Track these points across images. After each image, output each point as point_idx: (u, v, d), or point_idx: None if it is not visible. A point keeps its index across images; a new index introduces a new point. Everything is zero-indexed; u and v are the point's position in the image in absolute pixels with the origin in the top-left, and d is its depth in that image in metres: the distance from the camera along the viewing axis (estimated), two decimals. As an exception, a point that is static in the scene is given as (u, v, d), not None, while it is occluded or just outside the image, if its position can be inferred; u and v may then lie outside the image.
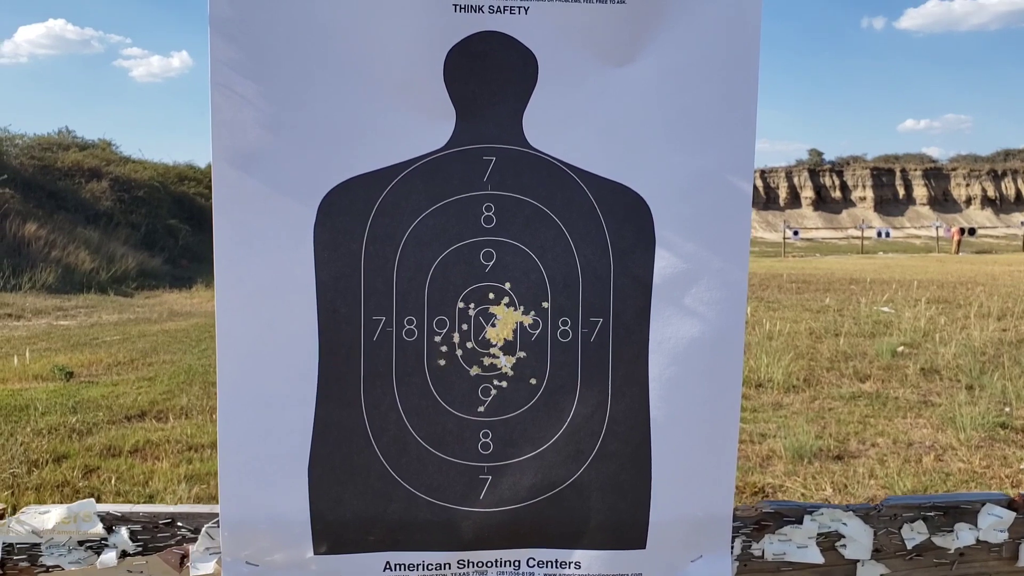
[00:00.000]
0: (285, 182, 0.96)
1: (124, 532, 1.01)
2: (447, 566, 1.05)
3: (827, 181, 66.27)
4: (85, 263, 17.54)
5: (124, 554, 1.01)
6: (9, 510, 1.03)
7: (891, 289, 14.33)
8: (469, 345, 1.01)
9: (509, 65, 0.97)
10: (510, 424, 1.02)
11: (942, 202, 65.50)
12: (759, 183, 63.61)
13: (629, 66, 0.98)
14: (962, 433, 5.22)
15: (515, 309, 1.01)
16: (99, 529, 1.00)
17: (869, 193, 65.24)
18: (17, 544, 1.00)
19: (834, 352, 8.23)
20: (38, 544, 1.00)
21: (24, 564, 1.00)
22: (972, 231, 42.58)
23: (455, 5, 0.95)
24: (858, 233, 44.42)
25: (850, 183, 66.30)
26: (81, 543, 1.01)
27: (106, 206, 21.80)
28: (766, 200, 64.15)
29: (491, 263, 1.00)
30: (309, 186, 0.96)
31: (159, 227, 22.85)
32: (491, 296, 1.01)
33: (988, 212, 63.88)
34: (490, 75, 0.97)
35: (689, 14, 0.97)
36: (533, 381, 1.02)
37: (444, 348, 1.01)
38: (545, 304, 1.01)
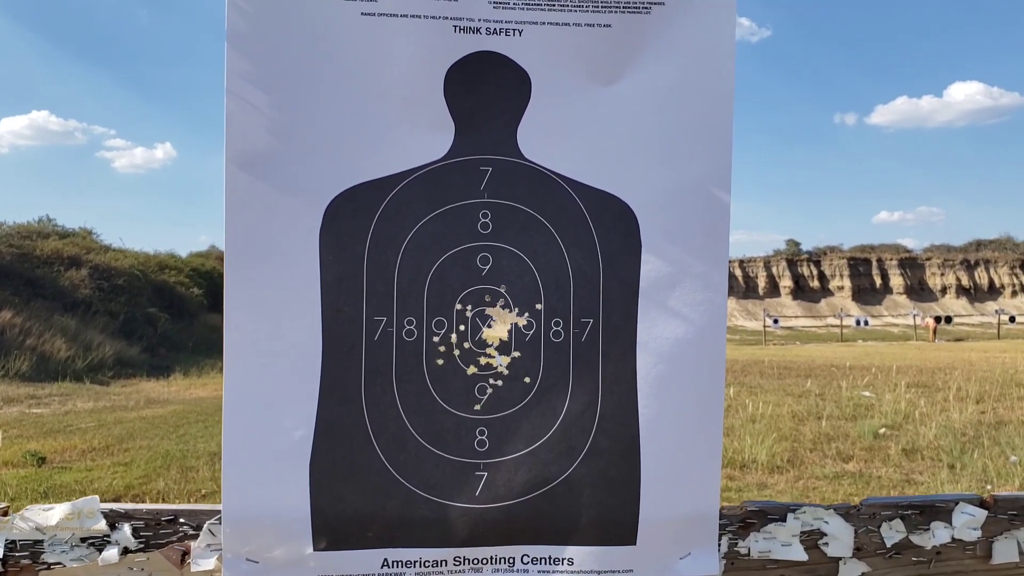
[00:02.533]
0: (293, 187, 1.02)
1: (127, 529, 1.03)
2: (443, 563, 1.07)
3: (805, 271, 67.25)
4: (61, 351, 17.35)
5: (126, 551, 1.03)
6: None
7: (871, 374, 14.45)
8: (466, 345, 1.06)
9: (504, 83, 1.05)
10: (505, 421, 1.07)
11: (918, 291, 66.47)
12: (738, 272, 64.48)
13: (615, 85, 1.06)
14: (945, 507, 5.22)
15: (510, 311, 1.06)
16: (102, 526, 1.02)
17: (847, 282, 66.17)
18: (20, 541, 1.02)
19: (817, 434, 8.25)
20: (40, 541, 1.02)
21: (26, 562, 1.02)
22: (948, 319, 43.10)
23: (455, 26, 1.04)
24: (837, 321, 44.83)
25: (828, 272, 67.30)
26: (83, 540, 1.03)
27: (85, 294, 21.70)
28: (745, 289, 64.90)
29: (487, 267, 1.06)
30: (316, 192, 1.03)
31: (138, 315, 22.72)
32: (487, 298, 1.06)
33: (963, 301, 64.82)
34: (487, 92, 1.05)
35: (669, 39, 1.06)
36: (527, 380, 1.07)
37: (442, 348, 1.06)
38: (538, 306, 1.07)
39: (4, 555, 1.01)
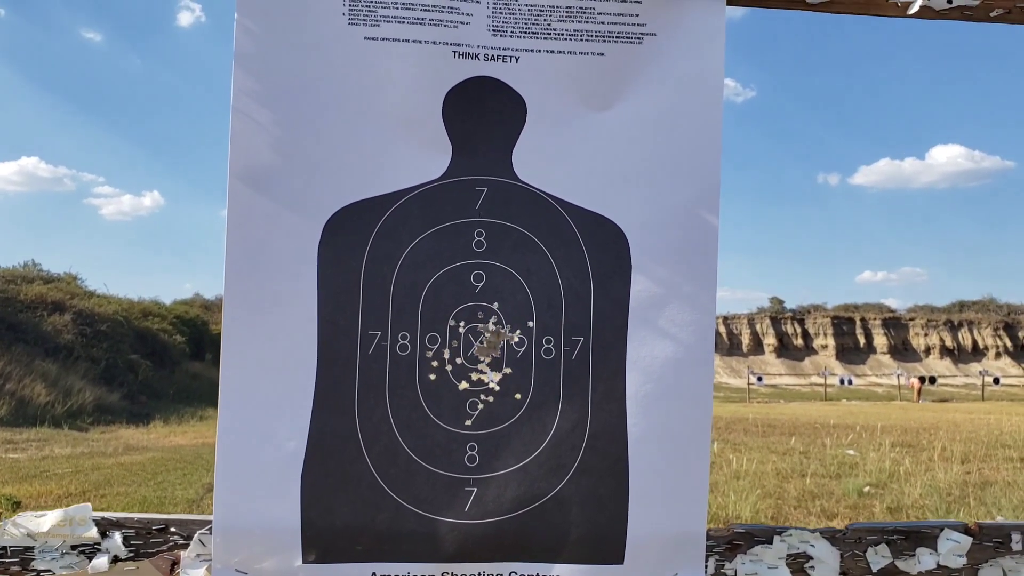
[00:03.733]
0: (294, 203, 1.05)
1: (118, 537, 1.03)
2: None
3: (789, 329, 67.54)
4: (40, 396, 17.14)
5: (116, 559, 1.03)
6: None
7: (855, 432, 14.42)
8: (459, 361, 1.08)
9: (501, 107, 1.09)
10: (496, 437, 1.08)
11: (902, 351, 66.80)
12: (722, 329, 64.63)
13: (608, 111, 1.10)
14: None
15: (502, 327, 1.08)
16: (93, 533, 1.02)
17: (831, 341, 66.46)
18: (11, 547, 1.02)
19: (801, 491, 8.21)
20: (31, 548, 1.02)
21: (16, 568, 1.01)
22: (932, 380, 43.26)
23: (454, 52, 1.08)
24: (821, 380, 44.92)
25: (811, 331, 67.60)
26: (74, 548, 1.02)
27: (67, 339, 21.51)
28: (729, 346, 65.00)
29: (481, 284, 1.08)
30: (316, 208, 1.05)
31: (120, 362, 22.51)
32: (480, 315, 1.08)
33: (947, 361, 65.14)
34: (483, 115, 1.09)
35: (660, 68, 1.10)
36: (518, 396, 1.08)
37: (435, 363, 1.07)
38: (530, 323, 1.09)
39: None
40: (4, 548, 1.01)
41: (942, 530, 1.16)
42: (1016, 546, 1.18)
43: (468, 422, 1.08)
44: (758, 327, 67.02)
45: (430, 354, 1.08)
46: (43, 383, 17.87)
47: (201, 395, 25.04)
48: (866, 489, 8.34)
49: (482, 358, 1.08)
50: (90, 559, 1.02)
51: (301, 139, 1.05)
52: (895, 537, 1.16)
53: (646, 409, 1.09)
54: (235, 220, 1.04)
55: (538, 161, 1.09)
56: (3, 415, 15.26)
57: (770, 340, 66.02)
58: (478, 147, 1.09)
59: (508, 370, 1.09)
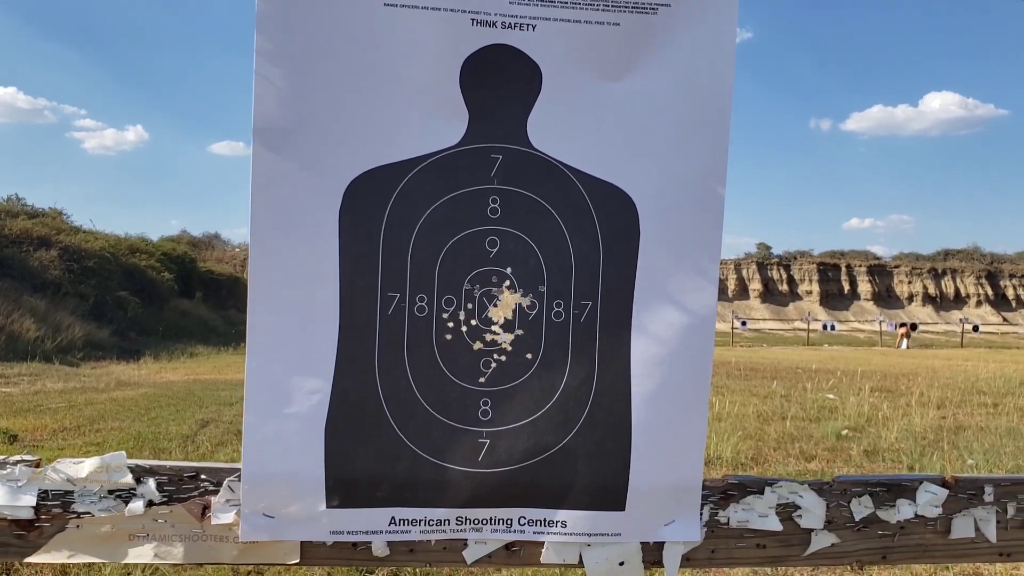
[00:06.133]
0: (315, 167, 1.09)
1: (151, 483, 1.10)
2: (446, 522, 1.15)
3: (775, 274, 67.91)
4: (30, 331, 17.16)
5: (150, 504, 1.10)
6: None
7: (836, 377, 14.66)
8: (473, 322, 1.14)
9: (517, 75, 1.12)
10: (508, 394, 1.14)
11: (885, 298, 67.38)
12: (708, 275, 64.58)
13: (622, 81, 1.13)
14: (905, 506, 5.36)
15: (515, 291, 1.14)
16: (128, 480, 1.09)
17: (815, 287, 66.92)
18: (52, 491, 1.08)
19: (781, 434, 8.38)
20: (71, 492, 1.08)
21: (57, 510, 1.08)
22: (914, 327, 43.77)
23: (472, 19, 1.11)
24: (804, 325, 45.38)
25: (797, 277, 68.01)
26: (111, 492, 1.09)
27: (54, 275, 21.43)
28: (715, 291, 65.21)
29: (495, 250, 1.13)
30: (336, 173, 1.09)
31: (108, 299, 22.48)
32: (494, 279, 1.14)
33: (929, 309, 65.78)
34: (500, 83, 1.12)
35: (673, 39, 1.14)
36: (529, 356, 1.14)
37: (451, 324, 1.13)
38: (542, 288, 1.14)
39: (37, 503, 1.07)
40: (46, 492, 1.07)
41: (921, 483, 1.24)
42: (988, 498, 1.26)
43: (482, 379, 1.14)
44: (744, 272, 67.34)
45: (446, 316, 1.13)
46: (32, 318, 17.86)
47: (191, 332, 25.10)
48: (844, 432, 8.53)
49: (495, 320, 1.14)
50: (126, 503, 1.09)
51: (321, 105, 1.08)
52: (878, 489, 1.24)
53: (649, 370, 1.15)
54: (259, 183, 1.08)
55: (552, 130, 1.13)
56: (-7, 349, 15.30)
57: (755, 285, 66.41)
58: (494, 115, 1.13)
59: (520, 332, 1.14)
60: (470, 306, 1.14)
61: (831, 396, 11.65)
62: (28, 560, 1.08)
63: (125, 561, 1.10)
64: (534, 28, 1.12)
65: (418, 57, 1.10)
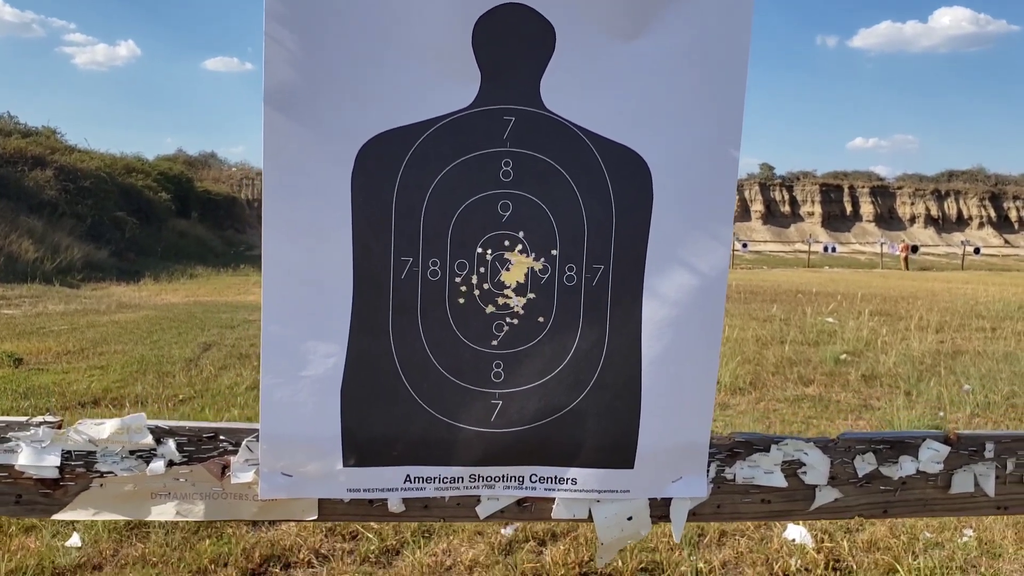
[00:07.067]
0: (327, 131, 1.07)
1: (171, 444, 1.12)
2: (460, 480, 1.18)
3: (777, 196, 67.60)
4: (28, 252, 17.16)
5: (171, 463, 1.12)
6: None
7: (836, 301, 14.75)
8: (485, 286, 1.14)
9: (530, 35, 1.10)
10: (520, 356, 1.16)
11: (888, 220, 67.24)
12: (709, 196, 64.33)
13: (636, 41, 1.11)
14: (899, 433, 5.46)
15: (527, 255, 1.14)
16: (149, 440, 1.11)
17: (817, 208, 66.72)
18: (75, 451, 1.10)
19: (780, 358, 8.48)
20: (93, 452, 1.11)
21: (81, 470, 1.11)
22: (915, 249, 43.82)
23: None
24: (805, 247, 45.41)
25: (799, 198, 67.73)
26: (132, 452, 1.11)
27: (50, 195, 21.31)
28: (716, 213, 64.95)
29: (507, 213, 1.13)
30: (349, 136, 1.08)
31: (105, 219, 22.42)
32: (506, 243, 1.14)
33: (931, 231, 65.74)
34: (513, 43, 1.10)
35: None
36: (541, 319, 1.15)
37: (463, 288, 1.14)
38: (554, 251, 1.15)
39: (61, 463, 1.10)
40: (69, 452, 1.10)
41: (924, 440, 1.27)
42: (988, 454, 1.29)
43: (494, 342, 1.15)
44: (747, 193, 67.00)
45: (459, 279, 1.13)
46: (30, 239, 17.85)
47: (189, 253, 25.13)
48: (843, 357, 8.63)
49: (508, 283, 1.14)
50: (147, 463, 1.11)
51: (332, 67, 1.07)
52: (881, 446, 1.26)
53: (660, 332, 1.16)
54: (271, 147, 1.07)
55: (565, 91, 1.12)
56: (-7, 270, 15.33)
57: (757, 207, 66.17)
58: (507, 76, 1.11)
59: (532, 295, 1.15)
60: (482, 270, 1.14)
61: (830, 320, 11.74)
62: (55, 517, 1.11)
63: (148, 519, 1.13)
64: None
65: (430, 17, 1.08)
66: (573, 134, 1.12)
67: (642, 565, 3.17)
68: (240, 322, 10.48)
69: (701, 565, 3.20)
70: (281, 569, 3.14)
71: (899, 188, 69.33)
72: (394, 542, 3.33)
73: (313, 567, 3.17)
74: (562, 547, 3.20)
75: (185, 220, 29.46)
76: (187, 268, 20.89)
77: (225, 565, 3.13)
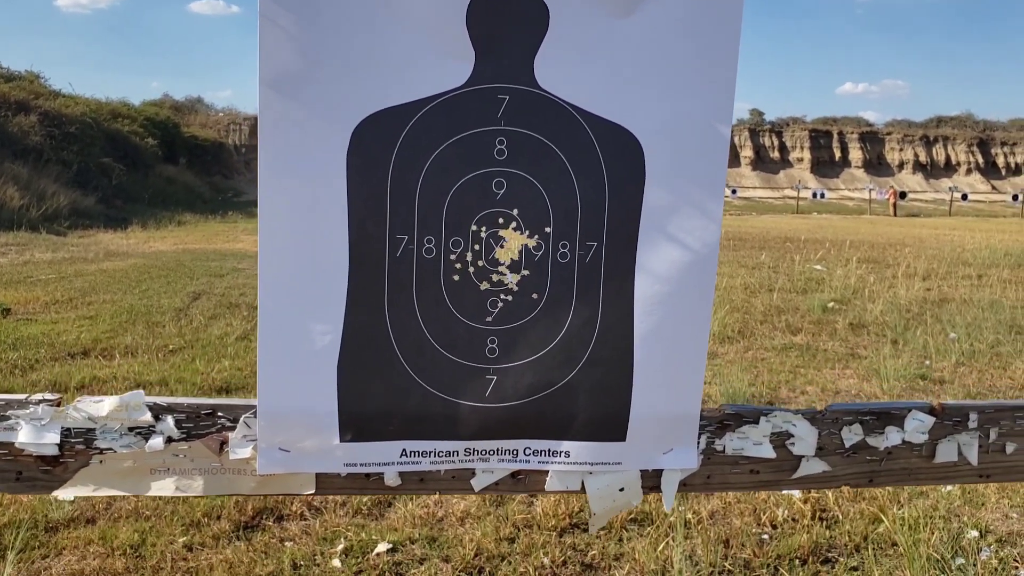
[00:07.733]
0: (322, 110, 1.07)
1: (170, 420, 1.13)
2: (455, 453, 1.20)
3: (766, 141, 67.31)
4: (14, 199, 16.99)
5: (170, 440, 1.14)
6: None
7: (824, 248, 14.83)
8: (480, 263, 1.15)
9: (523, 11, 1.09)
10: (514, 332, 1.17)
11: (876, 166, 67.13)
12: (699, 141, 64.02)
13: (629, 18, 1.11)
14: (885, 383, 5.55)
15: (521, 232, 1.15)
16: (147, 417, 1.12)
17: (807, 154, 66.51)
18: (74, 429, 1.12)
19: (768, 306, 8.55)
20: (93, 429, 1.12)
21: (80, 447, 1.12)
22: (903, 195, 43.87)
23: None
24: (794, 193, 45.40)
25: (789, 144, 67.46)
26: (131, 429, 1.13)
27: (35, 141, 21.04)
28: (706, 158, 64.74)
29: (502, 191, 1.13)
30: (343, 115, 1.08)
31: (92, 165, 22.18)
32: (501, 221, 1.14)
33: (919, 177, 65.69)
34: (506, 20, 1.09)
35: None
36: (535, 296, 1.16)
37: (458, 265, 1.14)
38: (547, 229, 1.15)
39: (61, 440, 1.11)
40: (69, 429, 1.11)
41: (910, 411, 1.30)
42: (972, 424, 1.32)
43: (489, 318, 1.16)
44: (736, 139, 66.58)
45: (454, 257, 1.14)
46: (15, 186, 17.65)
47: (177, 199, 24.94)
48: (830, 305, 8.71)
49: (502, 260, 1.15)
50: (146, 439, 1.13)
51: (327, 46, 1.06)
52: (868, 417, 1.29)
53: (652, 308, 1.17)
54: (266, 127, 1.06)
55: (559, 69, 1.11)
56: (-22, 217, 15.20)
57: (747, 153, 65.90)
58: (500, 54, 1.10)
59: (526, 272, 1.16)
60: (477, 247, 1.14)
61: (819, 268, 11.81)
62: (56, 494, 1.13)
63: (148, 494, 1.15)
64: None
65: None
66: (566, 112, 1.12)
67: (632, 515, 3.24)
68: (229, 270, 10.47)
69: (690, 515, 3.27)
70: (274, 522, 3.20)
71: (888, 134, 69.08)
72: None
73: (306, 519, 3.22)
74: (552, 498, 3.27)
75: (172, 166, 29.19)
76: (175, 215, 20.76)
77: (218, 518, 3.18)
